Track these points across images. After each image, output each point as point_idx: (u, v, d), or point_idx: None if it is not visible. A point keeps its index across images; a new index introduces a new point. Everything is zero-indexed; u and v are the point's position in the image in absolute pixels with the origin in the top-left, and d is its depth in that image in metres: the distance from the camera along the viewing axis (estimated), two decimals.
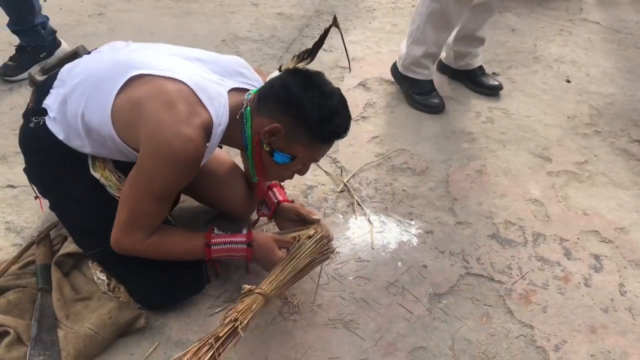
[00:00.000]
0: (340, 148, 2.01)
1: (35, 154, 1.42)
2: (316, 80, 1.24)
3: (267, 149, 1.24)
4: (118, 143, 1.25)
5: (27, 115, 1.39)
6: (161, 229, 1.29)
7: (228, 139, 1.29)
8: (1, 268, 1.41)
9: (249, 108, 1.24)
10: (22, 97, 2.17)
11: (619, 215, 1.77)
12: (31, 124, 1.35)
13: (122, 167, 1.34)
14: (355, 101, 2.27)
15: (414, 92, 2.26)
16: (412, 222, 1.70)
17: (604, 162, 2.00)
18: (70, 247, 1.47)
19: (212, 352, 1.12)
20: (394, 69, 2.38)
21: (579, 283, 1.53)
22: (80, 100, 1.26)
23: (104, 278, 1.40)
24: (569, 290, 1.51)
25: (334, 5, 3.12)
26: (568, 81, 2.50)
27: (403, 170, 1.92)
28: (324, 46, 2.73)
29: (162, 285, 1.37)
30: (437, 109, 2.23)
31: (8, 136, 1.96)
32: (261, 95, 1.23)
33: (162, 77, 1.20)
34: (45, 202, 1.45)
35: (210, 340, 1.14)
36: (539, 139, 2.11)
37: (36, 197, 1.49)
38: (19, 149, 1.87)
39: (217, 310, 1.39)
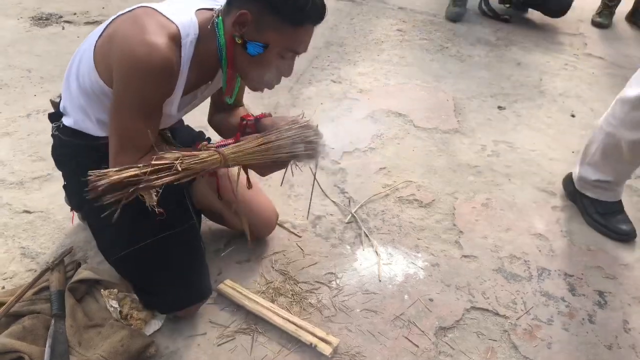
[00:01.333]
0: (348, 179, 2.05)
1: (65, 164, 1.51)
2: None
3: (239, 42, 1.21)
4: (102, 87, 1.27)
5: (52, 132, 1.49)
6: (152, 149, 1.27)
7: (204, 54, 1.27)
8: (17, 294, 1.44)
9: (220, 17, 1.25)
10: (39, 123, 2.23)
11: (622, 251, 1.79)
12: (53, 132, 1.45)
13: None
14: (363, 132, 2.32)
15: (596, 210, 1.89)
16: (419, 255, 1.73)
17: None
18: (83, 273, 1.50)
19: (135, 170, 1.12)
20: (568, 182, 2.00)
21: (583, 319, 1.55)
22: (74, 64, 1.35)
23: (116, 306, 1.44)
24: (573, 326, 1.53)
25: (343, 37, 3.19)
26: (573, 115, 2.54)
27: (410, 202, 1.95)
28: (332, 77, 2.80)
29: (174, 291, 1.43)
30: (626, 237, 1.82)
31: (25, 162, 2.01)
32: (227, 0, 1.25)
33: (133, 8, 1.26)
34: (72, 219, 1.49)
35: (140, 165, 1.14)
36: (543, 173, 2.14)
37: (71, 210, 1.59)
38: (35, 175, 1.96)
39: (226, 340, 1.42)
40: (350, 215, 1.86)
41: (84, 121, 1.39)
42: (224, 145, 1.28)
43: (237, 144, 1.26)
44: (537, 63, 3.04)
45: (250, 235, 1.58)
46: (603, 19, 3.51)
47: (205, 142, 1.27)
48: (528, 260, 1.73)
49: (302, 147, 1.27)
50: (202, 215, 1.69)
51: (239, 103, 1.58)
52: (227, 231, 1.76)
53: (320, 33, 3.23)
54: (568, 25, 3.50)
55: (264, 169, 1.32)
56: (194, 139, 1.62)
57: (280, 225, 1.78)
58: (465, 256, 1.73)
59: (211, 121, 1.60)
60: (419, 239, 1.79)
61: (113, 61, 1.21)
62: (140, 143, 1.24)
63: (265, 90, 1.33)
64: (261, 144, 1.25)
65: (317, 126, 1.32)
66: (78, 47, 1.39)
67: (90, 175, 1.11)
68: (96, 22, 3.11)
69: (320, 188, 1.99)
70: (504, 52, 3.13)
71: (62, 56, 2.76)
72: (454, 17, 3.45)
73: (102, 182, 1.09)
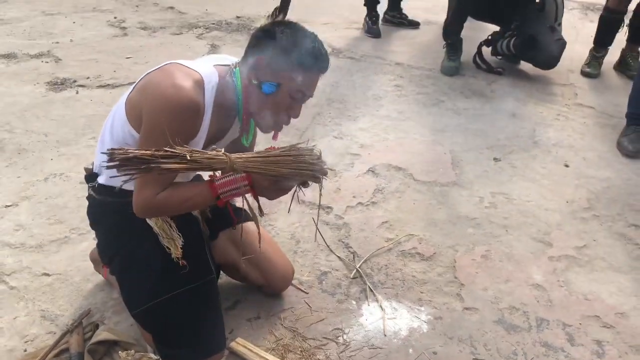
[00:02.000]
0: (352, 233, 2.14)
1: (99, 222, 1.65)
2: (289, 23, 1.42)
3: (255, 82, 1.39)
4: (134, 135, 1.42)
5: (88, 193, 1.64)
6: (171, 185, 1.41)
7: (223, 100, 1.43)
8: (39, 357, 1.51)
9: (237, 68, 1.44)
10: (56, 186, 2.35)
11: (619, 299, 1.86)
12: (89, 192, 1.61)
13: (174, 217, 1.53)
14: (365, 187, 2.43)
15: None
16: (422, 308, 1.80)
17: (602, 247, 2.10)
18: (102, 334, 1.58)
19: (150, 151, 1.21)
20: None
21: None
22: (108, 122, 1.51)
23: None
24: None
25: (344, 94, 3.34)
26: (566, 165, 2.65)
27: (412, 256, 2.03)
28: (334, 133, 2.92)
29: (194, 343, 1.52)
30: None
31: (44, 225, 2.11)
32: (245, 51, 1.43)
33: (161, 65, 1.43)
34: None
35: (153, 149, 1.22)
36: (540, 224, 2.23)
37: (103, 266, 1.71)
38: (53, 238, 2.05)
39: None
40: (355, 270, 1.94)
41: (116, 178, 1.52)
42: (225, 177, 1.39)
43: (245, 154, 1.35)
44: (530, 114, 3.17)
45: (265, 288, 1.74)
46: (592, 69, 3.66)
47: (215, 148, 1.37)
48: (527, 311, 1.80)
49: (305, 166, 1.37)
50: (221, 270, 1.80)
51: None
52: (236, 288, 1.84)
53: (321, 90, 3.38)
54: (559, 76, 3.65)
55: (271, 192, 1.41)
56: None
57: None
58: (466, 308, 1.80)
59: None
60: (421, 293, 1.86)
61: (143, 106, 1.37)
62: (163, 178, 1.37)
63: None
64: (264, 156, 1.35)
65: (319, 151, 1.41)
66: (110, 110, 1.55)
67: (111, 150, 1.22)
68: (108, 86, 3.28)
69: (326, 243, 2.07)
70: (499, 104, 3.26)
71: (77, 120, 2.91)
72: (449, 72, 3.61)
73: (119, 152, 1.20)
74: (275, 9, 1.54)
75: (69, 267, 1.92)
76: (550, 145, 2.83)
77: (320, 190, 1.44)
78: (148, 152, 1.21)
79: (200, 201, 1.43)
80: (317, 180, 1.41)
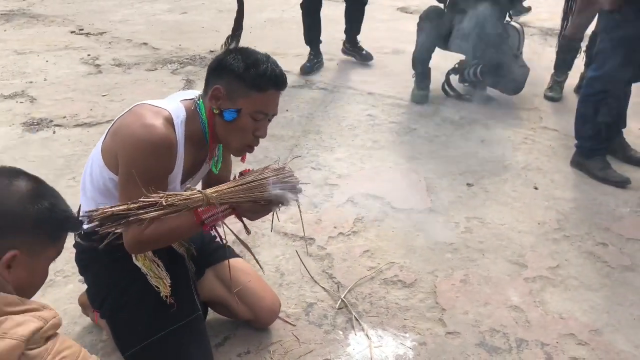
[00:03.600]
0: (335, 264, 2.20)
1: (87, 268, 1.68)
2: (241, 48, 1.50)
3: (217, 112, 1.45)
4: (112, 178, 1.47)
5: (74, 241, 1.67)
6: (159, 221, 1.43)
7: (193, 132, 1.49)
8: None
9: (200, 100, 1.50)
10: None
11: (592, 317, 1.95)
12: (75, 239, 1.64)
13: (160, 255, 1.58)
14: (345, 217, 2.49)
15: None
16: (407, 335, 1.86)
17: (574, 266, 2.21)
18: None
19: (125, 206, 1.27)
20: None
21: None
22: (87, 170, 1.57)
23: None
24: None
25: (319, 125, 3.43)
26: (536, 188, 2.77)
27: (394, 283, 2.10)
28: (312, 164, 2.99)
29: None
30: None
31: None
32: (205, 83, 1.50)
33: (130, 108, 1.50)
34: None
35: (128, 202, 1.28)
36: (514, 246, 2.33)
37: (93, 311, 1.74)
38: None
39: None
40: (340, 300, 2.00)
41: None
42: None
43: (218, 186, 1.42)
44: (499, 139, 3.30)
45: (253, 322, 1.78)
46: (554, 93, 3.84)
47: (189, 185, 1.45)
48: (507, 333, 1.87)
49: (280, 186, 1.43)
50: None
51: (226, 180, 1.74)
52: (224, 324, 1.88)
53: (297, 122, 3.47)
54: (524, 101, 3.82)
55: (251, 213, 1.45)
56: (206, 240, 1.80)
57: None
58: (449, 333, 1.87)
59: None
60: (405, 319, 1.92)
61: (118, 150, 1.42)
62: None
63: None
64: (239, 184, 1.40)
65: (290, 169, 1.49)
66: (89, 154, 1.60)
67: (86, 212, 1.28)
68: (85, 124, 3.30)
69: (310, 275, 2.12)
70: (468, 130, 3.39)
71: (55, 160, 2.92)
72: (419, 100, 3.75)
73: (96, 213, 1.26)
74: (228, 37, 1.63)
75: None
76: (520, 169, 2.95)
77: (299, 207, 1.50)
78: (123, 206, 1.27)
79: (186, 229, 1.46)
80: (294, 196, 1.46)
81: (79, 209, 1.66)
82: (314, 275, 2.12)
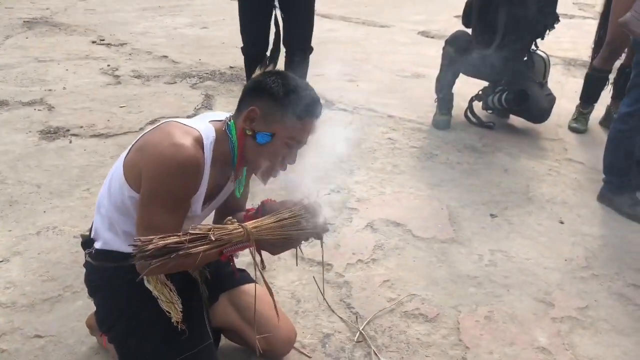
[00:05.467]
0: (354, 292, 2.11)
1: (97, 289, 1.60)
2: (282, 72, 1.45)
3: (249, 133, 1.41)
4: (133, 197, 1.41)
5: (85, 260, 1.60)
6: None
7: (220, 154, 1.44)
8: None
9: (232, 121, 1.46)
10: (49, 240, 2.29)
11: None
12: (85, 260, 1.57)
13: (172, 279, 1.51)
14: (364, 243, 2.41)
15: None
16: None
17: (604, 308, 2.10)
18: None
19: (177, 238, 1.25)
20: None
21: None
22: (105, 186, 1.51)
23: None
24: None
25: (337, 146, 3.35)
26: (561, 222, 2.67)
27: (416, 317, 2.01)
28: (330, 186, 2.91)
29: None
30: None
31: (36, 283, 2.05)
32: (238, 103, 1.46)
33: (159, 124, 1.45)
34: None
35: (180, 233, 1.26)
36: (540, 283, 2.23)
37: (101, 335, 1.66)
38: (46, 296, 1.98)
39: None
40: (359, 333, 1.90)
41: (113, 239, 1.52)
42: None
43: (258, 219, 1.40)
44: (523, 169, 3.22)
45: (267, 352, 1.67)
46: (579, 124, 3.76)
47: (230, 218, 1.40)
48: None
49: (310, 224, 1.44)
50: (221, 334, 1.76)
51: (241, 208, 1.69)
52: (237, 352, 1.79)
53: (314, 142, 3.40)
54: (548, 130, 3.74)
55: (276, 248, 1.46)
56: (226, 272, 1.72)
57: None
58: None
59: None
60: (427, 357, 1.83)
61: (142, 166, 1.36)
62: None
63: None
64: (278, 220, 1.40)
65: (319, 205, 1.48)
66: (108, 173, 1.54)
67: (136, 241, 1.24)
68: (102, 135, 3.26)
69: (327, 303, 2.04)
70: (491, 159, 3.31)
71: (70, 170, 2.87)
72: (441, 125, 3.68)
73: (150, 247, 1.22)
74: (266, 59, 1.61)
75: (62, 328, 1.85)
76: (545, 201, 2.86)
77: (322, 247, 1.52)
78: (175, 238, 1.24)
79: (204, 257, 1.38)
80: (319, 237, 1.49)
81: (92, 226, 1.60)
82: (331, 304, 2.03)
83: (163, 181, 1.33)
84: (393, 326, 1.95)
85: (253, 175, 1.59)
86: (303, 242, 1.49)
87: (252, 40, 3.23)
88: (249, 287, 1.71)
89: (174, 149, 1.32)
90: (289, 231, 1.41)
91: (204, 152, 1.39)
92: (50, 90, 3.95)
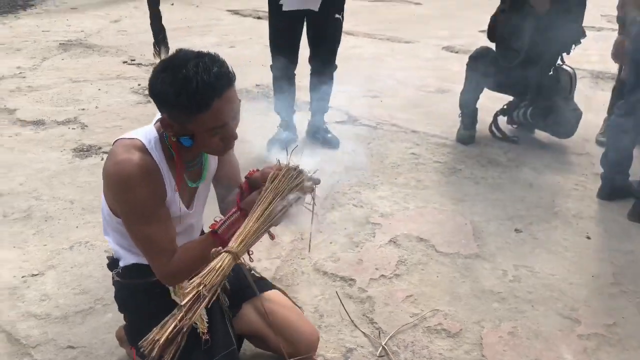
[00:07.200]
0: (376, 308, 2.12)
1: (127, 306, 1.69)
2: (168, 62, 1.34)
3: (174, 139, 1.39)
4: (116, 220, 1.49)
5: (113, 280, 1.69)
6: (180, 247, 1.47)
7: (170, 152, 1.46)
8: None
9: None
10: (81, 255, 2.37)
11: None
12: (114, 280, 1.66)
13: None
14: (387, 259, 2.42)
15: None
16: None
17: (632, 325, 2.06)
18: None
19: (174, 322, 1.23)
20: None
21: None
22: (103, 217, 1.61)
23: None
24: None
25: (362, 162, 3.39)
26: (588, 237, 2.64)
27: (438, 332, 2.01)
28: (353, 201, 2.93)
29: None
30: None
31: (69, 295, 2.12)
32: None
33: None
34: None
35: (174, 312, 1.24)
36: (566, 299, 2.20)
37: (131, 348, 1.70)
38: (79, 309, 2.05)
39: None
40: (381, 348, 1.92)
41: (129, 256, 1.61)
42: (225, 222, 1.42)
43: (237, 233, 1.35)
44: (548, 184, 3.19)
45: (291, 356, 1.69)
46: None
47: (216, 249, 1.35)
48: None
49: (294, 194, 1.35)
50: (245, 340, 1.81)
51: (237, 182, 1.67)
52: (260, 357, 1.83)
53: (339, 158, 3.44)
54: (574, 145, 3.69)
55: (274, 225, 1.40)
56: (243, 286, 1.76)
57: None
58: None
59: (221, 207, 1.73)
60: None
61: (108, 194, 1.47)
62: (162, 246, 1.44)
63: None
64: (258, 217, 1.34)
65: (297, 166, 1.39)
66: None
67: (142, 347, 1.29)
68: None
69: (350, 318, 2.06)
70: (516, 173, 3.29)
71: (101, 187, 2.95)
72: (465, 140, 3.67)
73: (155, 347, 1.26)
74: (154, 46, 1.56)
75: (94, 340, 1.92)
76: (571, 216, 2.83)
77: (313, 200, 1.41)
78: (171, 325, 1.27)
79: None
80: (310, 190, 1.39)
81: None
82: (354, 319, 2.05)
83: (125, 199, 1.39)
84: (416, 341, 1.96)
85: None
86: (297, 205, 1.38)
87: (282, 58, 3.31)
88: (271, 294, 1.77)
89: (117, 167, 1.37)
90: (277, 215, 1.34)
91: (152, 156, 1.42)
92: (83, 109, 4.09)
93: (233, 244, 1.33)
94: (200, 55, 1.33)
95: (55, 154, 3.35)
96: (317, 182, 1.39)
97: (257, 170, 1.50)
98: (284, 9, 3.18)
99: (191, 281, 1.27)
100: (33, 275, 2.23)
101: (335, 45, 3.40)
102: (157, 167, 1.42)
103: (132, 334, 1.66)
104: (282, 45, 3.33)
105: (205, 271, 1.28)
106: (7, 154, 3.34)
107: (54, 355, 1.84)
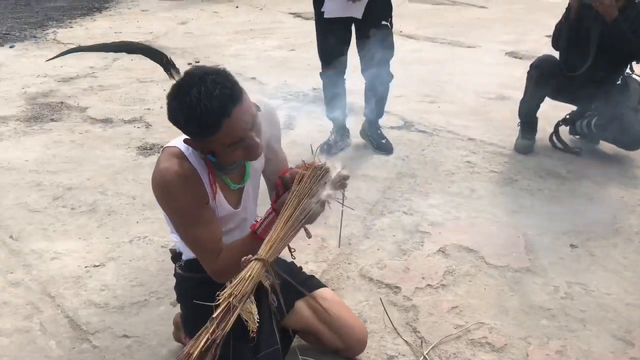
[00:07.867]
0: (420, 317, 2.12)
1: (184, 298, 1.78)
2: (176, 88, 1.40)
3: (203, 157, 1.48)
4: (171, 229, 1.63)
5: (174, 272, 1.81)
6: (225, 246, 1.55)
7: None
8: None
9: None
10: (140, 249, 2.50)
11: None
12: (176, 270, 1.77)
13: None
14: (434, 268, 2.41)
15: None
16: None
17: None
18: None
19: (206, 335, 1.26)
20: None
21: None
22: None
23: None
24: None
25: (415, 168, 3.38)
26: None
27: (482, 345, 1.98)
28: (404, 208, 2.92)
29: None
30: None
31: (126, 287, 2.25)
32: None
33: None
34: None
35: (206, 325, 1.27)
36: (620, 320, 2.12)
37: (185, 337, 1.78)
38: (134, 300, 2.17)
39: None
40: (422, 357, 1.91)
41: (190, 251, 1.67)
42: (263, 222, 1.46)
43: (267, 237, 1.37)
44: (610, 198, 3.06)
45: (343, 352, 1.81)
46: None
47: (246, 257, 1.37)
48: None
49: (326, 190, 1.34)
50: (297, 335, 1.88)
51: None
52: (310, 351, 1.88)
53: (392, 164, 3.44)
54: None
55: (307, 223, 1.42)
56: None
57: None
58: None
59: None
60: None
61: (157, 201, 1.54)
62: (208, 246, 1.52)
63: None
64: (287, 219, 1.35)
65: (325, 164, 1.37)
66: None
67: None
68: None
69: (393, 325, 2.07)
70: (576, 186, 3.18)
71: None
72: (524, 150, 3.58)
73: (188, 354, 1.31)
74: (166, 67, 1.56)
75: (147, 331, 2.02)
76: (633, 234, 2.71)
77: (343, 195, 1.40)
78: (204, 337, 1.31)
79: (252, 252, 1.46)
80: (342, 186, 1.38)
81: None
82: (397, 327, 2.06)
83: (169, 205, 1.49)
84: (458, 353, 1.94)
85: None
86: (327, 203, 1.38)
87: (329, 65, 3.35)
88: (322, 292, 1.85)
89: (158, 175, 1.47)
90: (306, 212, 1.34)
91: (190, 161, 1.49)
92: (148, 109, 4.29)
93: (262, 250, 1.35)
94: (202, 80, 1.34)
95: (120, 151, 3.53)
96: (346, 177, 1.39)
97: (292, 169, 1.52)
98: (325, 16, 3.23)
99: (222, 292, 1.30)
100: (95, 266, 2.38)
101: (386, 53, 3.35)
102: (195, 172, 1.50)
103: (187, 324, 1.75)
104: (328, 53, 3.38)
105: (235, 281, 1.31)
106: (77, 149, 3.56)
107: (110, 342, 1.96)
